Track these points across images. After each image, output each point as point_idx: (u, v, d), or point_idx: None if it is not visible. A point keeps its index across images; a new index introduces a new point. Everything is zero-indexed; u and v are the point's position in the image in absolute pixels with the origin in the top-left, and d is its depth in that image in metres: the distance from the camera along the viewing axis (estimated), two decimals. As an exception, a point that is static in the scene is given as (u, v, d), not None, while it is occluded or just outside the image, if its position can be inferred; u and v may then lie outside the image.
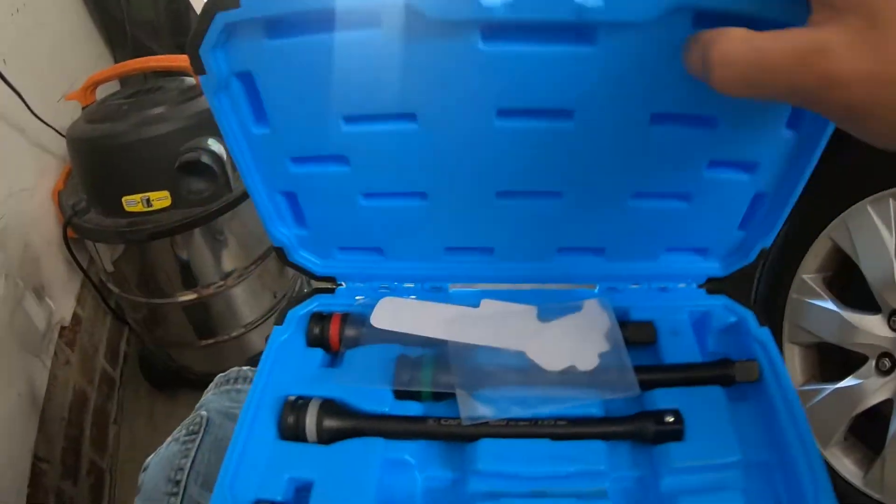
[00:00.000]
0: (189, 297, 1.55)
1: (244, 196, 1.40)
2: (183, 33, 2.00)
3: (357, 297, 0.64)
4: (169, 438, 0.81)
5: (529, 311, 0.60)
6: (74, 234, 1.42)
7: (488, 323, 0.58)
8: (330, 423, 0.53)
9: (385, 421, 0.54)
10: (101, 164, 1.34)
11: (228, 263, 1.55)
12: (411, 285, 0.65)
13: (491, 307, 0.61)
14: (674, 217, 0.56)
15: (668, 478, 0.48)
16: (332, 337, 0.61)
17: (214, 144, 1.30)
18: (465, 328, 0.58)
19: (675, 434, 0.50)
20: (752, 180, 0.53)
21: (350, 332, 0.61)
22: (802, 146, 0.49)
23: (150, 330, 1.73)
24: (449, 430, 0.52)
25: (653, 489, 0.49)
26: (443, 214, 0.58)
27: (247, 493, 0.49)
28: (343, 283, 0.66)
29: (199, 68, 0.46)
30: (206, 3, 0.43)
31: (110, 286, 1.61)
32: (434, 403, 0.56)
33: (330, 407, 0.54)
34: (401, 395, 0.57)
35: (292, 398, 0.55)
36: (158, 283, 1.54)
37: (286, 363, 0.60)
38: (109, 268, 1.53)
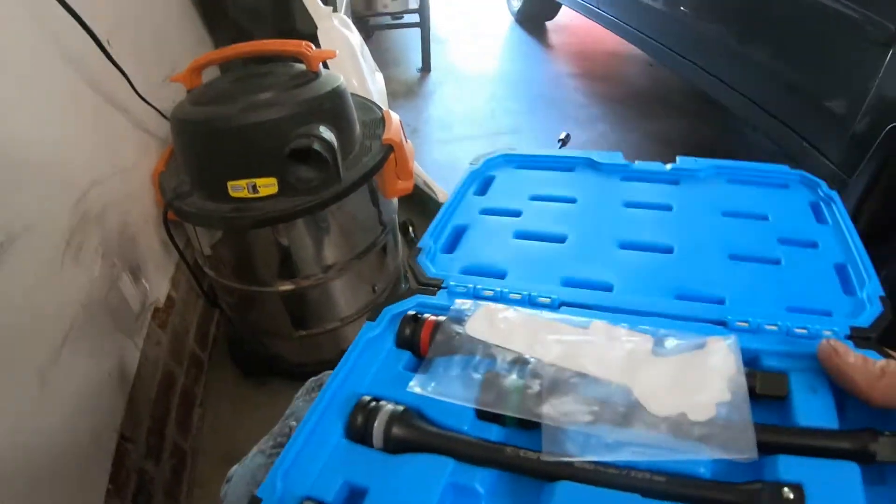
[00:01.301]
0: (287, 287, 1.47)
1: (353, 186, 1.31)
2: (286, 20, 1.92)
3: (460, 301, 0.58)
4: (255, 448, 0.72)
5: (645, 341, 0.51)
6: (175, 216, 1.35)
7: (594, 348, 0.50)
8: (399, 431, 0.47)
9: (459, 441, 0.46)
10: (206, 147, 1.26)
11: (330, 255, 1.46)
12: (518, 296, 0.59)
13: (601, 330, 0.53)
14: (775, 277, 0.60)
15: None
16: (423, 341, 0.55)
17: (326, 132, 1.21)
18: (565, 351, 0.50)
19: None
20: (818, 253, 0.62)
21: (441, 337, 0.54)
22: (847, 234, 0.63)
23: (243, 316, 1.66)
24: (528, 463, 0.44)
25: None
26: (572, 254, 0.64)
27: (298, 489, 0.44)
28: (446, 287, 0.61)
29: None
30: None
31: (206, 270, 1.54)
32: (518, 431, 0.48)
33: (403, 415, 0.48)
34: (483, 415, 0.49)
35: (366, 398, 0.50)
36: (256, 271, 1.46)
37: (370, 361, 0.55)
38: (207, 251, 1.46)
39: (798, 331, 0.52)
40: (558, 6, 3.98)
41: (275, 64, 1.41)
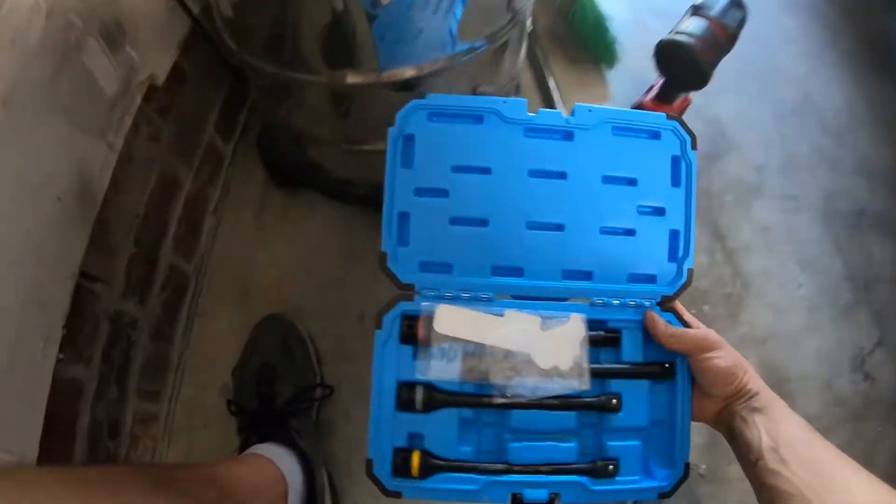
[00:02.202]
0: (343, 79, 0.89)
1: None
2: None
3: (423, 304, 0.76)
4: None
5: (535, 321, 0.76)
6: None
7: (509, 330, 0.75)
8: (427, 397, 0.73)
9: (459, 396, 0.74)
10: None
11: (423, 44, 0.87)
12: (467, 295, 0.77)
13: (511, 317, 0.76)
14: (627, 249, 0.78)
15: (608, 433, 0.76)
16: (420, 336, 0.74)
17: None
18: (494, 333, 0.74)
19: (615, 408, 0.74)
20: (664, 221, 0.79)
21: (423, 333, 0.74)
22: (687, 196, 0.79)
23: (278, 110, 1.09)
24: (495, 403, 0.73)
25: (600, 439, 0.77)
26: (494, 239, 0.77)
27: (387, 443, 0.72)
28: (419, 292, 0.77)
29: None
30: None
31: (227, 40, 0.94)
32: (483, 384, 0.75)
33: (427, 389, 0.73)
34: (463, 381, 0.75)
35: (403, 383, 0.73)
36: (300, 50, 0.88)
37: (391, 356, 0.74)
38: (228, 12, 0.86)
39: (630, 303, 0.78)
40: None
41: None
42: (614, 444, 0.75)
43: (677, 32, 1.23)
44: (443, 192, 0.77)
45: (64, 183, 0.81)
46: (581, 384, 0.73)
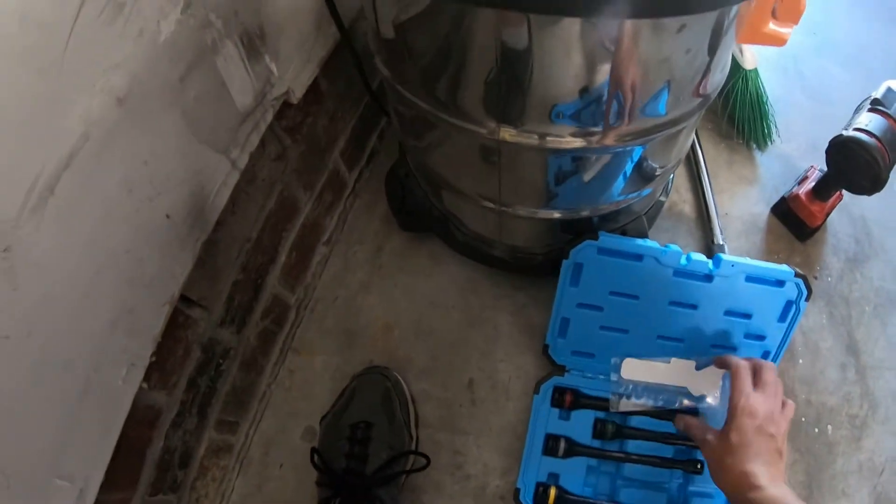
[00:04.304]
0: (510, 135, 0.70)
1: None
2: None
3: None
4: None
5: (691, 364, 0.95)
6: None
7: (672, 369, 0.95)
8: (565, 446, 0.94)
9: (589, 449, 0.95)
10: None
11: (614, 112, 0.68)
12: (603, 377, 0.99)
13: (675, 362, 0.96)
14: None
15: (692, 490, 0.94)
16: (567, 403, 0.97)
17: None
18: (663, 373, 0.96)
19: (698, 471, 0.93)
20: (762, 344, 0.97)
21: (584, 399, 0.98)
22: (788, 330, 0.95)
23: (418, 148, 0.93)
24: (614, 456, 0.95)
25: (685, 492, 0.94)
26: (629, 343, 0.96)
27: (532, 478, 0.93)
28: (569, 371, 1.00)
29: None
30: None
31: (377, 64, 0.80)
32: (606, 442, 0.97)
33: (567, 440, 0.95)
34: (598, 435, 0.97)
35: (550, 435, 0.95)
36: (465, 91, 0.69)
37: (542, 415, 0.96)
38: (388, 33, 0.70)
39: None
40: None
41: None
42: (696, 500, 0.94)
43: (856, 129, 1.04)
44: (598, 308, 0.95)
45: (176, 199, 0.68)
46: (714, 401, 0.93)
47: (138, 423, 0.73)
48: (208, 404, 0.91)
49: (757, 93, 1.32)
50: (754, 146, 1.36)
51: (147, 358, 0.71)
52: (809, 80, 1.52)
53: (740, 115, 1.33)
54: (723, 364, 0.87)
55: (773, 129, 1.36)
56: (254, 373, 1.01)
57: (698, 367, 0.95)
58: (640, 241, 0.90)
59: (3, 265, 0.46)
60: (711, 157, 1.32)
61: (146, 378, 0.71)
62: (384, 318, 1.12)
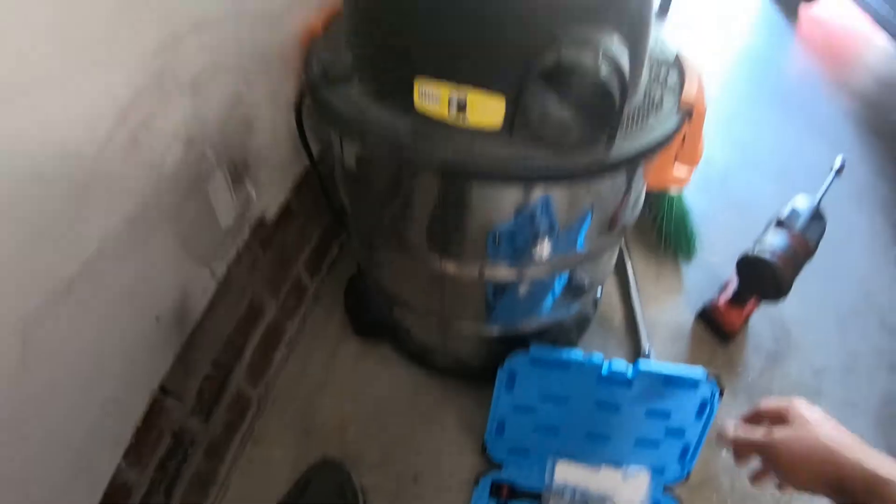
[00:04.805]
0: (450, 268, 0.89)
1: (628, 162, 0.70)
2: None
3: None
4: None
5: (618, 474, 1.10)
6: (316, 108, 0.77)
7: (602, 477, 1.10)
8: None
9: None
10: (396, 8, 0.66)
11: (540, 249, 0.85)
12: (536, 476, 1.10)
13: (604, 470, 1.11)
14: (650, 451, 1.09)
15: None
16: (504, 495, 1.07)
17: (620, 51, 0.60)
18: (594, 479, 1.10)
19: None
20: (682, 439, 1.06)
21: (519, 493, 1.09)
22: (704, 428, 1.05)
23: (376, 271, 1.10)
24: None
25: None
26: (561, 440, 1.09)
27: None
28: (504, 467, 1.11)
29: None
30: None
31: (342, 194, 0.98)
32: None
33: None
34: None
35: None
36: (412, 233, 0.89)
37: None
38: (351, 164, 0.89)
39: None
40: None
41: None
42: None
43: (761, 247, 1.23)
44: (531, 410, 1.08)
45: (166, 304, 0.82)
46: None
47: (112, 498, 0.81)
48: (174, 486, 0.99)
49: (682, 212, 1.52)
50: (681, 259, 1.54)
51: (128, 440, 0.82)
52: (735, 195, 1.73)
53: (668, 232, 1.52)
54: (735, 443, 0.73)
55: (698, 244, 1.54)
56: (216, 460, 1.11)
57: (624, 477, 1.09)
58: (566, 352, 1.02)
59: (21, 351, 0.59)
60: (641, 269, 1.49)
61: (124, 457, 0.81)
62: (339, 416, 1.22)
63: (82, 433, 0.72)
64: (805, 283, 1.27)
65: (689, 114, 0.76)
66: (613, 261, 1.13)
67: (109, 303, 0.70)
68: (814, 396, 1.34)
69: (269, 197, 1.01)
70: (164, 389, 0.88)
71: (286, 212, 1.07)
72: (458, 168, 0.67)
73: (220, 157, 0.84)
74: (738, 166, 1.85)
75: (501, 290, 0.95)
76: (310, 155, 0.95)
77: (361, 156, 0.82)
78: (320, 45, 0.84)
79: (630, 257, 1.48)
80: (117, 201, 0.68)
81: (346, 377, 1.27)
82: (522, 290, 0.95)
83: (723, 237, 1.58)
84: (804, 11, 3.24)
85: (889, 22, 2.30)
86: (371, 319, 1.21)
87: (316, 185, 1.09)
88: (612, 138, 0.65)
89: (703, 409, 1.05)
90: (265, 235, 1.03)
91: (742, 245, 1.28)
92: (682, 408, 1.05)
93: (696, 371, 1.02)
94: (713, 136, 2.00)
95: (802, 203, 1.31)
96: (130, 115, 0.66)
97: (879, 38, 2.61)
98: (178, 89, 0.73)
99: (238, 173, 0.89)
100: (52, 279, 0.61)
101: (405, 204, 0.84)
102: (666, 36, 0.90)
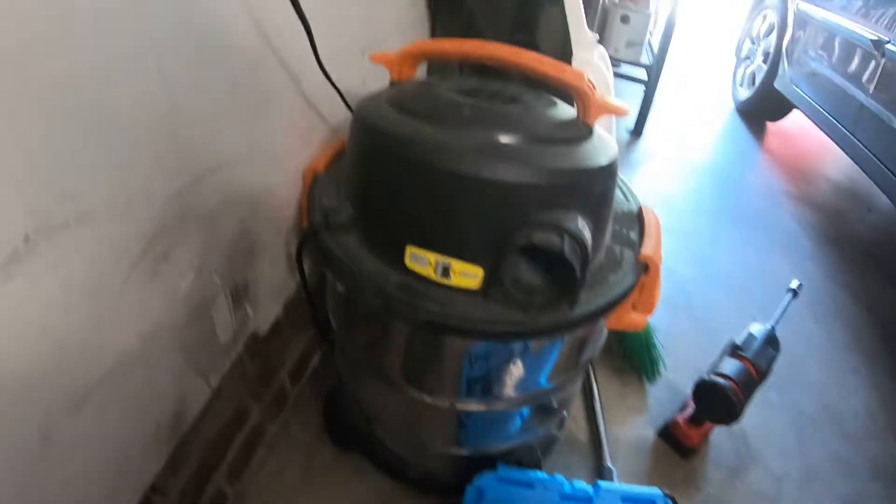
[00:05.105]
0: (427, 399, 1.00)
1: (589, 317, 0.80)
2: (530, 30, 1.39)
3: None
4: None
5: None
6: (318, 250, 0.88)
7: None
8: None
9: None
10: (397, 181, 0.78)
11: (500, 387, 0.95)
12: None
13: None
14: None
15: None
16: None
17: (584, 231, 0.71)
18: None
19: None
20: None
21: None
22: None
23: (356, 390, 1.20)
24: None
25: None
26: None
27: None
28: None
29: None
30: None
31: (331, 317, 1.08)
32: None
33: None
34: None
35: None
36: (391, 368, 1.00)
37: None
38: (342, 297, 1.00)
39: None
40: (789, 109, 3.32)
41: (515, 86, 0.91)
42: None
43: (715, 373, 1.33)
44: None
45: (166, 411, 0.89)
46: None
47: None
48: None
49: (646, 336, 1.62)
50: (644, 378, 1.63)
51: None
52: (697, 311, 1.84)
53: (632, 355, 1.62)
54: None
55: (661, 365, 1.63)
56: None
57: None
58: (531, 472, 1.09)
59: (39, 447, 0.66)
60: (605, 390, 1.57)
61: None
62: None
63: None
64: (764, 394, 1.36)
65: (646, 268, 0.87)
66: (578, 387, 1.23)
67: (119, 411, 0.78)
68: (774, 505, 1.42)
69: (263, 314, 1.10)
70: (153, 487, 0.94)
71: (276, 327, 1.17)
72: (439, 323, 0.76)
73: (225, 282, 0.93)
74: (700, 282, 1.98)
75: (472, 418, 1.04)
76: (305, 285, 1.05)
77: (351, 296, 0.93)
78: (322, 184, 0.96)
79: (596, 378, 1.56)
80: (135, 323, 0.76)
81: (320, 483, 1.32)
82: (492, 418, 1.04)
83: (685, 354, 1.69)
84: (770, 126, 3.48)
85: (844, 138, 2.50)
86: (347, 430, 1.28)
87: (304, 303, 1.18)
88: (574, 301, 0.75)
89: None
90: (255, 348, 1.12)
91: (703, 362, 1.39)
92: None
93: (653, 491, 1.09)
94: (677, 252, 2.15)
95: (757, 329, 1.42)
96: (154, 247, 0.75)
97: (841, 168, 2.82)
98: (195, 224, 0.83)
99: (238, 295, 0.98)
100: (73, 389, 0.69)
101: (385, 341, 0.95)
102: (629, 186, 1.03)
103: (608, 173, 0.78)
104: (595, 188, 0.75)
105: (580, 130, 0.80)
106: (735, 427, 1.53)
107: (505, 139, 0.74)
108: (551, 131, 0.78)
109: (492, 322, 0.75)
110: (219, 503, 1.19)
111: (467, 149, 0.71)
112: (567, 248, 0.68)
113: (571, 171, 0.73)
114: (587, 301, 0.79)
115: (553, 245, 0.68)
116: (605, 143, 0.81)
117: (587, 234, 0.72)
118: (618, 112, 0.80)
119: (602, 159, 0.77)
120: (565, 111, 0.85)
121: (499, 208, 0.72)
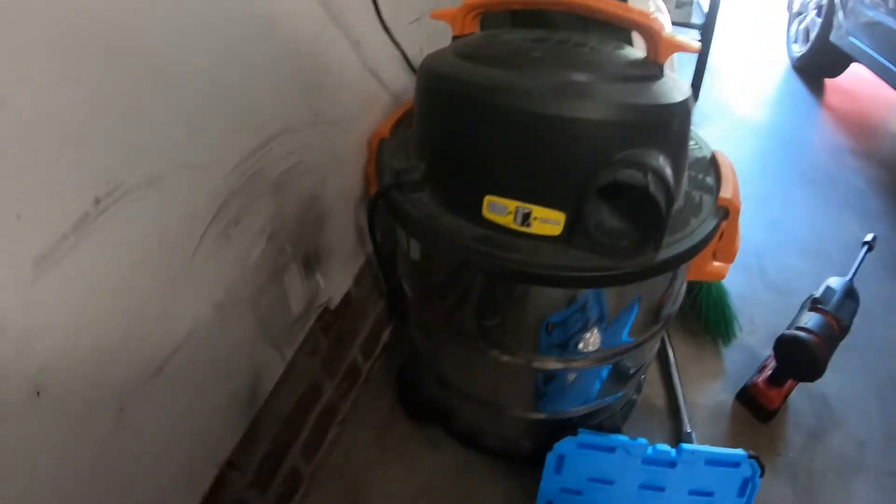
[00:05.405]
0: (506, 358, 0.98)
1: (673, 262, 0.78)
2: None
3: None
4: None
5: None
6: (390, 212, 0.88)
7: None
8: None
9: None
10: (471, 129, 0.77)
11: (587, 343, 0.94)
12: None
13: None
14: None
15: None
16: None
17: (666, 168, 0.69)
18: None
19: None
20: None
21: None
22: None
23: (433, 356, 1.19)
24: None
25: None
26: None
27: None
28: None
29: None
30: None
31: (405, 284, 1.08)
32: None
33: None
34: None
35: None
36: (468, 325, 0.98)
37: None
38: (416, 256, 0.99)
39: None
40: (847, 63, 3.18)
41: (579, 34, 0.89)
42: None
43: (797, 328, 1.29)
44: (578, 492, 1.13)
45: (242, 381, 0.90)
46: None
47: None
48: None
49: (720, 297, 1.58)
50: (720, 342, 1.60)
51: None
52: (771, 275, 1.80)
53: (706, 317, 1.59)
54: None
55: (736, 327, 1.60)
56: (267, 532, 1.18)
57: None
58: (612, 436, 1.08)
59: (115, 418, 0.67)
60: (682, 354, 1.54)
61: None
62: (386, 495, 1.27)
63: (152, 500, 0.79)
64: (843, 356, 1.32)
65: (727, 213, 0.85)
66: (656, 348, 1.21)
67: (194, 382, 0.79)
68: (856, 469, 1.38)
69: (335, 286, 1.10)
70: (229, 463, 0.95)
71: (347, 300, 1.17)
72: (524, 273, 0.75)
73: (297, 250, 0.94)
74: (773, 245, 1.93)
75: (551, 379, 1.02)
76: (377, 251, 1.05)
77: (427, 254, 0.92)
78: (390, 150, 0.95)
79: (671, 342, 1.54)
80: (207, 291, 0.77)
81: (395, 458, 1.32)
82: (571, 379, 1.02)
83: (760, 317, 1.65)
84: (829, 83, 3.36)
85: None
86: (422, 402, 1.28)
87: (373, 274, 1.19)
88: (659, 243, 0.74)
89: (745, 487, 1.10)
90: (327, 322, 1.13)
91: (779, 324, 1.35)
92: (725, 487, 1.11)
93: (737, 452, 1.08)
94: (747, 216, 2.09)
95: (836, 282, 1.38)
96: (224, 212, 0.76)
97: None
98: (265, 189, 0.83)
99: (310, 265, 0.99)
100: (148, 359, 0.70)
101: (464, 299, 0.93)
102: (702, 136, 1.01)
103: (684, 110, 0.75)
104: (673, 125, 0.73)
105: (651, 69, 0.78)
106: (814, 389, 1.49)
107: (580, 77, 0.72)
108: (625, 70, 0.76)
109: (577, 269, 0.74)
110: (294, 481, 1.21)
111: (544, 89, 0.70)
112: (652, 185, 0.66)
113: (650, 106, 0.71)
114: (671, 246, 0.77)
115: (638, 182, 0.66)
116: (676, 81, 0.79)
117: (669, 171, 0.70)
118: (688, 48, 0.77)
119: (677, 95, 0.75)
120: (634, 53, 0.82)
121: (579, 148, 0.70)
